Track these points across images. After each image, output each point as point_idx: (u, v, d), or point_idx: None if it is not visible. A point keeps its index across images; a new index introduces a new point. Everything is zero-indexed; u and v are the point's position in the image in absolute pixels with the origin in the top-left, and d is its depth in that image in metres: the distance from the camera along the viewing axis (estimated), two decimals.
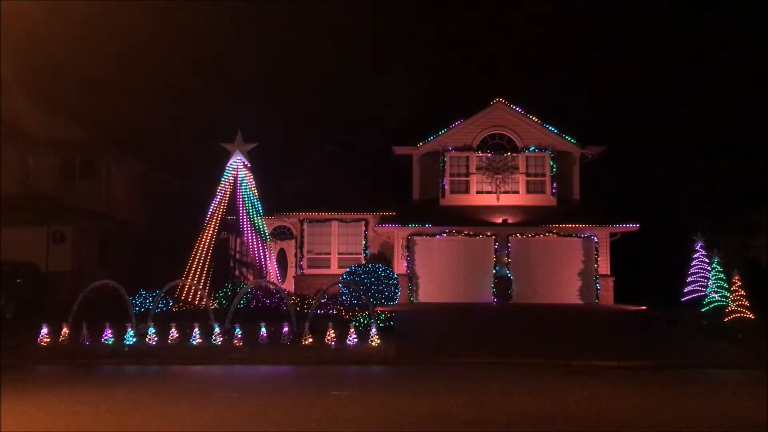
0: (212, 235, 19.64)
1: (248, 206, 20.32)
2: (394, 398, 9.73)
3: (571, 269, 24.34)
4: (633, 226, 23.62)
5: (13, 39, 24.35)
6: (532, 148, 24.94)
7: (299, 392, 10.28)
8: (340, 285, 21.67)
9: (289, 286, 24.68)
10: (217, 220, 19.84)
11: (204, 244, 19.54)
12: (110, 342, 13.80)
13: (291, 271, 25.46)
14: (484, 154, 24.96)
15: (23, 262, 20.95)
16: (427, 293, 24.18)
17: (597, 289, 23.80)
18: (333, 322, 14.57)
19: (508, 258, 23.98)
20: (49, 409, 9.08)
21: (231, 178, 20.33)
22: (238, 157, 20.39)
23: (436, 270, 24.38)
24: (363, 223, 25.29)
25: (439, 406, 9.30)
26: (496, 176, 24.82)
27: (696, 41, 45.41)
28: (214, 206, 20.24)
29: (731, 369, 12.59)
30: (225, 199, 20.08)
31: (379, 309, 17.54)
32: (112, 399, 9.66)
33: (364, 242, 25.26)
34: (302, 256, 25.19)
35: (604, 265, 23.92)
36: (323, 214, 25.21)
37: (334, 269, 24.92)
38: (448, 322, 18.86)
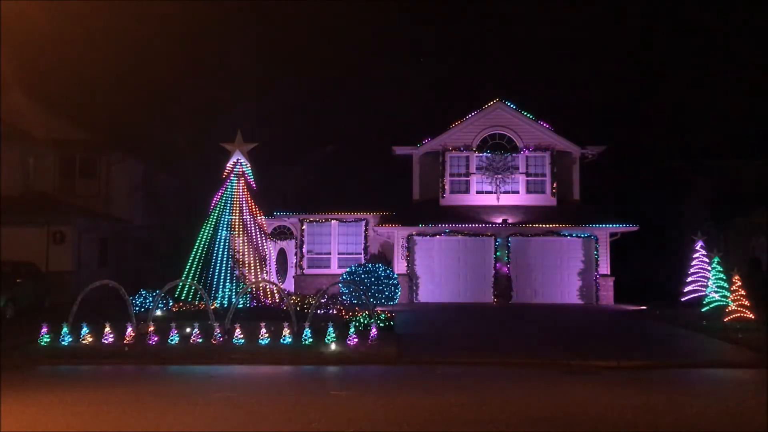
0: (212, 234, 19.64)
1: (247, 206, 20.31)
2: (394, 398, 9.72)
3: (571, 269, 24.36)
4: (633, 227, 23.62)
5: (13, 39, 24.36)
6: (532, 148, 24.95)
7: (299, 392, 10.28)
8: (340, 285, 21.68)
9: (289, 286, 24.70)
10: (216, 219, 19.83)
11: (204, 244, 19.53)
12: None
13: (291, 271, 25.48)
14: (484, 154, 24.97)
15: (23, 262, 20.95)
16: (427, 293, 24.19)
17: (597, 289, 23.80)
18: (333, 322, 14.55)
19: (508, 258, 23.98)
20: (49, 409, 9.07)
21: (231, 177, 20.33)
22: (238, 157, 20.39)
23: (436, 270, 24.41)
24: (363, 223, 25.30)
25: (439, 406, 9.30)
26: (496, 176, 24.83)
27: (697, 41, 45.40)
28: (213, 206, 20.24)
29: (731, 369, 12.57)
30: (224, 199, 20.07)
31: (379, 309, 17.53)
32: (112, 399, 9.65)
33: (364, 242, 25.27)
34: (302, 256, 25.19)
35: (604, 265, 23.93)
36: (323, 214, 25.23)
37: (334, 269, 24.94)
38: (448, 322, 18.86)
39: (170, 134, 31.39)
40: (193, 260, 19.38)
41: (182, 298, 18.97)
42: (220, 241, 19.47)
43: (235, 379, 11.51)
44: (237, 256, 19.37)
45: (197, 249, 19.51)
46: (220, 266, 19.18)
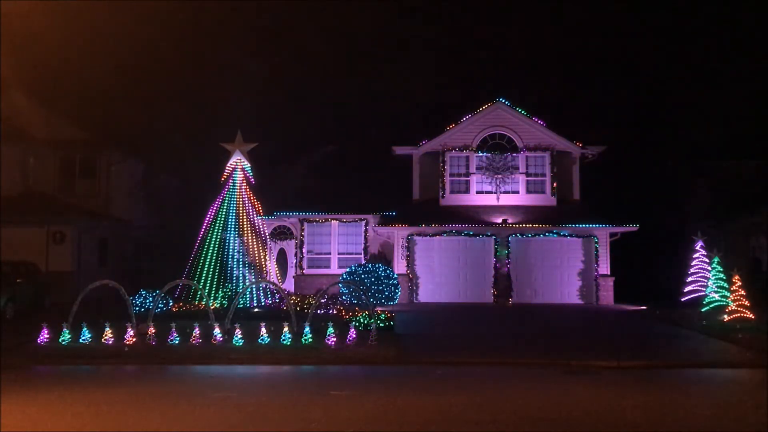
0: (212, 235, 19.65)
1: (248, 206, 20.33)
2: (394, 398, 9.72)
3: (571, 269, 24.36)
4: (633, 227, 23.62)
5: (13, 39, 24.34)
6: (532, 148, 24.95)
7: (299, 392, 10.29)
8: (340, 285, 21.67)
9: (289, 286, 24.69)
10: (216, 219, 19.85)
11: (204, 244, 19.55)
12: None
13: (291, 271, 25.47)
14: (484, 154, 24.98)
15: (23, 262, 20.97)
16: (427, 293, 24.19)
17: (597, 289, 23.79)
18: (333, 322, 14.56)
19: (508, 258, 23.98)
20: (49, 409, 9.08)
21: (231, 177, 20.34)
22: (238, 157, 20.41)
23: (436, 270, 24.41)
24: (363, 223, 25.29)
25: (439, 406, 9.30)
26: (496, 176, 24.83)
27: (696, 41, 45.39)
28: (213, 206, 20.25)
29: (731, 369, 12.57)
30: (225, 199, 20.09)
31: (379, 309, 17.53)
32: (112, 399, 9.66)
33: (364, 242, 25.26)
34: (302, 256, 25.18)
35: (604, 265, 23.92)
36: (323, 214, 25.21)
37: (334, 269, 24.92)
38: (448, 322, 18.87)
39: (170, 134, 31.37)
40: (193, 260, 19.39)
41: (182, 298, 18.96)
42: (219, 241, 19.48)
43: (235, 379, 11.51)
44: (237, 256, 19.39)
45: (197, 249, 19.50)
46: (220, 266, 19.20)
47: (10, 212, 23.41)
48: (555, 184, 24.90)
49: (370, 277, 22.47)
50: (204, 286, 18.41)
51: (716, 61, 40.91)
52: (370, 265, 23.19)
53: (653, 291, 23.79)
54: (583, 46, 44.63)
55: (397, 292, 22.92)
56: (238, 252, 19.48)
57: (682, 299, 20.38)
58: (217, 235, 19.59)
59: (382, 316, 15.92)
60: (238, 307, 15.59)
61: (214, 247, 19.44)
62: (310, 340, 13.66)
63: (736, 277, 17.61)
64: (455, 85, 41.39)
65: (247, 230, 19.92)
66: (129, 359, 12.84)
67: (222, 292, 18.82)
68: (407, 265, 24.06)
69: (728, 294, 17.92)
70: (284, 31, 50.71)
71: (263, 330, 13.93)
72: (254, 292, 19.13)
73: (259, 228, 20.48)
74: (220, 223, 19.74)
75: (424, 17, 53.34)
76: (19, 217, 23.70)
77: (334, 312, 18.12)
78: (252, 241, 19.94)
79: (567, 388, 10.57)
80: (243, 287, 18.20)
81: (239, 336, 13.70)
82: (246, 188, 20.41)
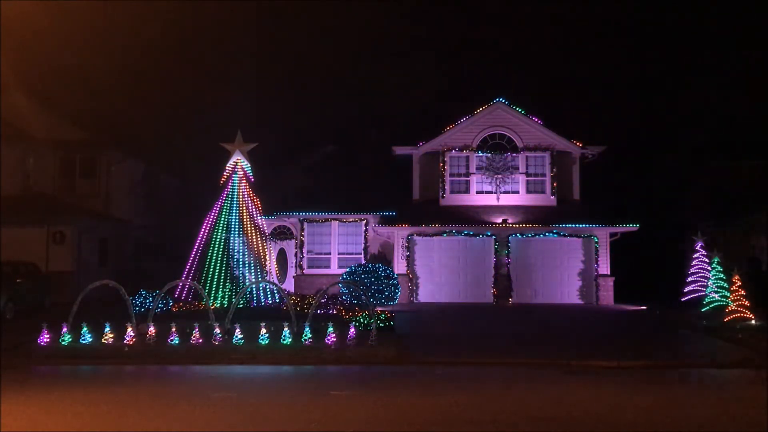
0: (212, 234, 19.62)
1: (249, 205, 20.31)
2: (395, 398, 9.73)
3: (571, 269, 24.37)
4: (633, 227, 23.62)
5: (14, 39, 24.36)
6: (532, 148, 24.95)
7: (299, 392, 10.29)
8: (340, 285, 21.67)
9: (289, 286, 24.69)
10: (216, 219, 19.82)
11: (204, 244, 19.51)
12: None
13: (291, 271, 25.47)
14: (484, 154, 24.98)
15: (23, 262, 20.96)
16: (427, 293, 24.20)
17: (597, 289, 23.79)
18: (333, 322, 14.54)
19: (508, 258, 23.98)
20: (49, 409, 9.08)
21: (231, 178, 20.31)
22: (238, 157, 20.37)
23: (436, 270, 24.41)
24: (363, 223, 25.29)
25: (439, 406, 9.30)
26: (496, 176, 24.84)
27: (697, 41, 45.41)
28: (215, 207, 20.21)
29: (731, 369, 12.58)
30: (224, 199, 20.06)
31: (379, 309, 17.51)
32: (112, 399, 9.66)
33: (364, 242, 25.26)
34: (302, 256, 25.18)
35: (604, 265, 23.92)
36: (323, 214, 25.22)
37: (334, 269, 24.92)
38: (448, 322, 18.88)
39: (170, 134, 31.40)
40: (193, 260, 19.36)
41: (182, 298, 18.95)
42: (219, 241, 19.44)
43: (235, 379, 11.51)
44: (237, 256, 19.36)
45: (197, 249, 19.46)
46: (220, 266, 19.17)
47: (10, 212, 23.39)
48: (555, 184, 24.90)
49: (370, 277, 22.47)
50: (205, 286, 18.39)
51: (716, 60, 40.91)
52: (370, 265, 23.19)
53: (653, 291, 23.80)
54: (583, 46, 44.64)
55: (397, 292, 22.92)
56: (239, 252, 19.45)
57: (682, 299, 20.40)
58: (218, 235, 19.55)
59: (382, 316, 15.90)
60: (238, 307, 15.57)
61: (215, 247, 19.40)
62: (310, 340, 13.65)
63: (736, 277, 17.61)
64: (455, 85, 41.43)
65: (250, 230, 19.87)
66: (129, 359, 12.84)
67: (222, 292, 18.80)
68: (407, 265, 24.07)
69: (728, 294, 17.93)
70: (285, 31, 50.72)
71: (263, 330, 13.92)
72: (254, 292, 19.11)
73: (258, 228, 20.47)
74: (222, 224, 19.70)
75: (425, 17, 53.35)
76: (19, 217, 23.69)
77: (334, 312, 18.09)
78: (255, 241, 19.92)
79: (567, 388, 10.57)
80: (243, 287, 18.17)
81: (239, 336, 13.69)
82: (247, 187, 20.38)
